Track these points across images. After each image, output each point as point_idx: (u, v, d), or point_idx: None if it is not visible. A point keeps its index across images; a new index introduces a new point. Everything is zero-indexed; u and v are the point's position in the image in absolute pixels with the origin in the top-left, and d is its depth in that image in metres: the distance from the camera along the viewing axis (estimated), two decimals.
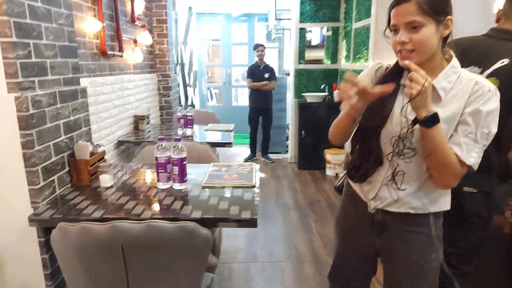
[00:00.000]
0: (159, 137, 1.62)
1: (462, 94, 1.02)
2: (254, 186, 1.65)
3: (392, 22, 1.02)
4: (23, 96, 1.36)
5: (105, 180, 1.67)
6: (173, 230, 1.12)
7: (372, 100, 1.04)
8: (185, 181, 1.64)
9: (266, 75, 4.97)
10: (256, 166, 1.91)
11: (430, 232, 1.15)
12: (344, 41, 4.59)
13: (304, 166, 4.80)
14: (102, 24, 2.49)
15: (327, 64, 4.92)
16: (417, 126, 1.01)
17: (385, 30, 1.08)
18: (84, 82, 2.27)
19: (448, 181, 1.06)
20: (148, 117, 3.33)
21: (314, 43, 5.06)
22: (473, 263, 1.55)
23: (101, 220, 1.35)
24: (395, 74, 1.11)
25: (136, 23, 3.29)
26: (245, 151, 5.67)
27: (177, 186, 1.63)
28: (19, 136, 1.38)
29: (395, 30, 1.02)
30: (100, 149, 1.82)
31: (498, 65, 1.36)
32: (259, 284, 2.33)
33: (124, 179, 1.79)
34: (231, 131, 3.11)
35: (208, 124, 3.38)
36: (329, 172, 4.54)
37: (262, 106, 5.08)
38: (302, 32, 4.84)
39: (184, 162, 1.61)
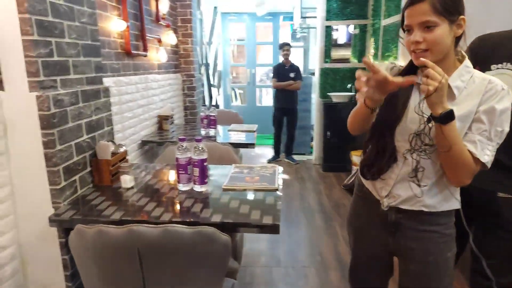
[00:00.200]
0: (179, 137, 1.58)
1: (476, 93, 1.04)
2: (276, 190, 1.58)
3: (406, 22, 1.04)
4: (45, 95, 1.34)
5: (126, 180, 1.64)
6: (191, 235, 1.07)
7: (392, 91, 1.01)
8: (206, 182, 1.60)
9: (292, 75, 4.88)
10: (279, 168, 1.84)
11: (444, 230, 1.15)
12: (372, 38, 4.44)
13: (329, 168, 4.68)
14: (127, 24, 2.49)
15: (354, 62, 4.78)
16: (432, 123, 1.01)
17: (398, 30, 1.12)
18: (108, 81, 2.28)
19: (462, 179, 1.06)
20: (172, 117, 3.33)
21: (340, 41, 4.93)
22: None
23: (120, 222, 1.32)
24: (409, 73, 1.09)
25: (160, 23, 3.29)
26: (269, 152, 5.60)
27: (197, 188, 1.58)
28: (40, 135, 1.37)
29: (409, 30, 1.04)
30: (122, 149, 1.80)
31: None
32: None
33: (146, 180, 1.76)
34: (254, 131, 3.05)
35: (231, 124, 3.34)
36: None
37: (287, 106, 4.99)
38: (328, 30, 4.72)
39: (205, 164, 1.56)
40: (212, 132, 2.99)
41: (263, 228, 1.29)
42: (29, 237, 1.44)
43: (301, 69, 5.20)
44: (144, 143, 2.85)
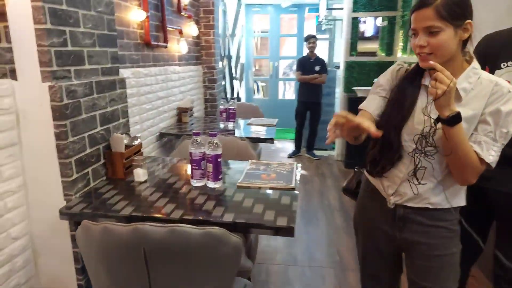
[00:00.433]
0: (193, 131, 1.53)
1: (483, 95, 1.06)
2: (293, 189, 1.50)
3: (412, 26, 1.07)
4: (57, 85, 1.32)
5: (139, 174, 1.61)
6: (199, 236, 1.01)
7: (352, 128, 1.00)
8: (220, 179, 1.54)
9: (317, 68, 4.74)
10: (297, 166, 1.76)
11: (450, 226, 1.17)
12: (401, 31, 4.24)
13: (352, 164, 4.53)
14: (147, 14, 2.45)
15: (381, 56, 4.59)
16: (439, 125, 1.03)
17: (408, 32, 1.13)
18: (126, 72, 2.25)
19: (468, 178, 1.08)
20: (191, 110, 3.29)
21: (367, 34, 4.74)
22: None
23: (129, 218, 1.28)
24: (416, 74, 1.16)
25: (182, 14, 3.25)
26: (289, 146, 5.51)
27: (211, 184, 1.53)
28: (52, 126, 1.35)
29: (415, 33, 1.07)
30: (136, 142, 1.77)
31: None
32: None
33: (159, 174, 1.73)
34: (274, 126, 2.97)
35: (251, 118, 3.27)
36: None
37: (311, 100, 4.86)
38: (355, 22, 4.55)
39: (219, 159, 1.50)
40: (230, 125, 2.93)
41: (276, 230, 1.22)
42: (41, 228, 1.43)
43: (326, 62, 5.06)
44: (162, 135, 2.83)
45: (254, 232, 1.29)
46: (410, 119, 1.13)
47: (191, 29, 3.46)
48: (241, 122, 3.19)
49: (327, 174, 4.39)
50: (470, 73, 1.08)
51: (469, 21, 1.03)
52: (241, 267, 1.63)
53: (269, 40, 7.25)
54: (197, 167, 1.52)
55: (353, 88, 4.55)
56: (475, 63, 1.10)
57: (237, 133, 2.75)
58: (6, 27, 1.28)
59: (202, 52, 3.94)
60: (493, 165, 1.06)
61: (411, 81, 1.15)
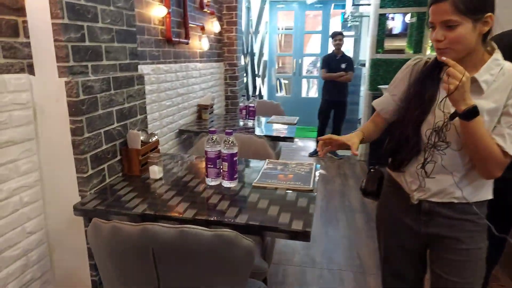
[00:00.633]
0: (209, 129, 1.49)
1: (505, 86, 1.04)
2: (311, 191, 1.44)
3: (430, 19, 1.05)
4: (74, 81, 1.31)
5: (155, 171, 1.59)
6: (210, 239, 0.98)
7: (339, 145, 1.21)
8: (235, 178, 1.50)
9: (343, 66, 4.62)
10: (317, 166, 1.70)
11: (477, 220, 1.15)
12: None
13: (375, 165, 4.39)
14: (168, 10, 2.44)
15: (409, 53, 4.42)
16: (456, 120, 1.02)
17: (425, 24, 1.05)
18: (146, 69, 2.25)
19: (492, 172, 1.06)
20: (211, 107, 3.27)
21: (395, 31, 4.58)
22: None
23: (142, 216, 1.27)
24: (435, 68, 1.13)
25: (204, 10, 3.22)
26: (311, 145, 5.42)
27: (226, 183, 1.49)
28: (68, 122, 1.34)
29: (433, 27, 1.05)
30: (153, 139, 1.76)
31: None
32: None
33: (175, 171, 1.70)
34: (295, 124, 2.90)
35: (272, 116, 3.22)
36: None
37: (336, 99, 4.75)
38: (382, 18, 4.39)
39: (235, 158, 1.46)
40: (250, 123, 2.89)
41: (291, 234, 1.16)
42: (56, 223, 1.43)
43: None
44: (181, 132, 2.82)
45: (268, 235, 1.24)
46: (430, 114, 1.11)
47: (213, 25, 3.43)
48: (262, 120, 3.14)
49: (349, 174, 4.29)
50: (492, 65, 1.05)
51: (490, 14, 0.99)
52: (257, 269, 1.59)
53: (293, 37, 7.15)
54: (212, 166, 1.49)
55: (379, 86, 4.40)
56: (497, 54, 1.07)
57: (257, 131, 2.71)
58: (25, 21, 1.28)
59: (224, 49, 3.91)
60: None
61: (430, 75, 1.13)
